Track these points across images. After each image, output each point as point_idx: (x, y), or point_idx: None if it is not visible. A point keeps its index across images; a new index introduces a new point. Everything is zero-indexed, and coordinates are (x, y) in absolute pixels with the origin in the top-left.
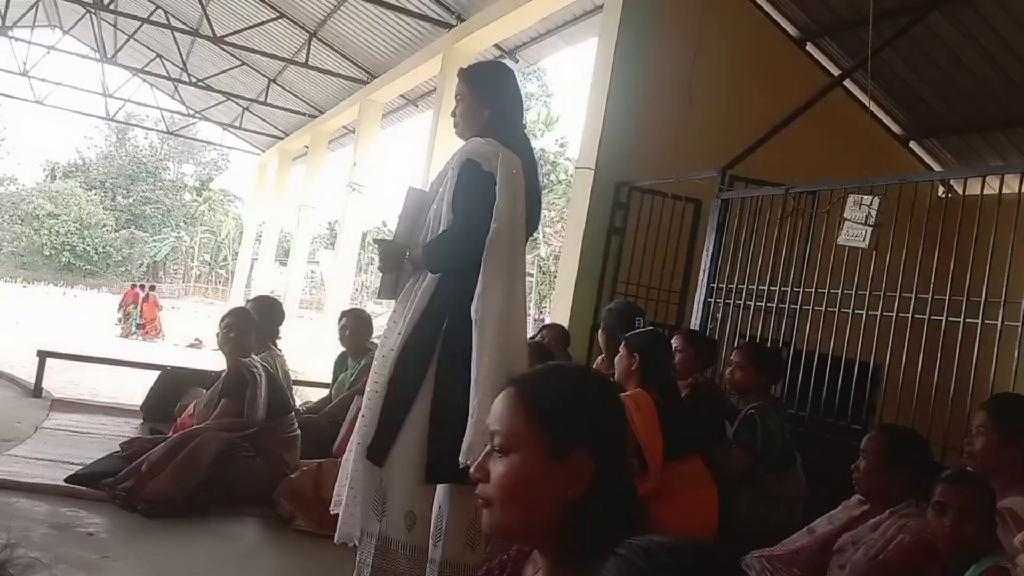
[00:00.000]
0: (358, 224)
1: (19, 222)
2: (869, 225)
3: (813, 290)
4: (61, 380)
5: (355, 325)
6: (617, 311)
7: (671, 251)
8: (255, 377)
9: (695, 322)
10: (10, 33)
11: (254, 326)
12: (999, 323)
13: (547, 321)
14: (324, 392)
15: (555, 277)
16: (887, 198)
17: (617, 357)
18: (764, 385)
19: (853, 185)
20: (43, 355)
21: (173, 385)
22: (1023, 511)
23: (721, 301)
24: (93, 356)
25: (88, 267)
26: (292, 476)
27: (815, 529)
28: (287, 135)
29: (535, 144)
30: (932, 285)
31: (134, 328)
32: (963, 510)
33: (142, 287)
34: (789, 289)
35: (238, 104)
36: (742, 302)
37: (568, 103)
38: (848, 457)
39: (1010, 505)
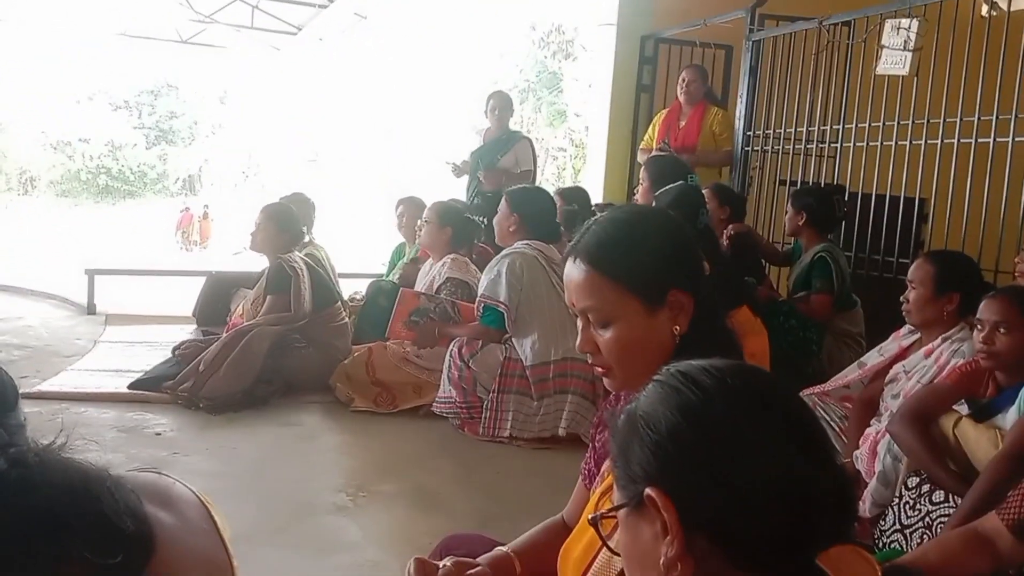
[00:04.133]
0: None
1: (52, 150)
2: (908, 50)
3: (854, 126)
4: (113, 297)
5: (413, 212)
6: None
7: None
8: (296, 272)
9: (735, 174)
10: None
11: (288, 222)
12: None
13: None
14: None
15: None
16: (926, 20)
17: None
18: (811, 226)
19: (890, 9)
20: (91, 273)
21: (221, 288)
22: None
23: (759, 149)
24: (139, 269)
25: (126, 187)
26: (346, 362)
27: (866, 362)
28: (300, 30)
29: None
30: (978, 107)
31: (195, 249)
32: (1014, 324)
33: (192, 209)
34: (828, 128)
35: (247, 4)
36: (780, 148)
37: None
38: (899, 294)
39: None
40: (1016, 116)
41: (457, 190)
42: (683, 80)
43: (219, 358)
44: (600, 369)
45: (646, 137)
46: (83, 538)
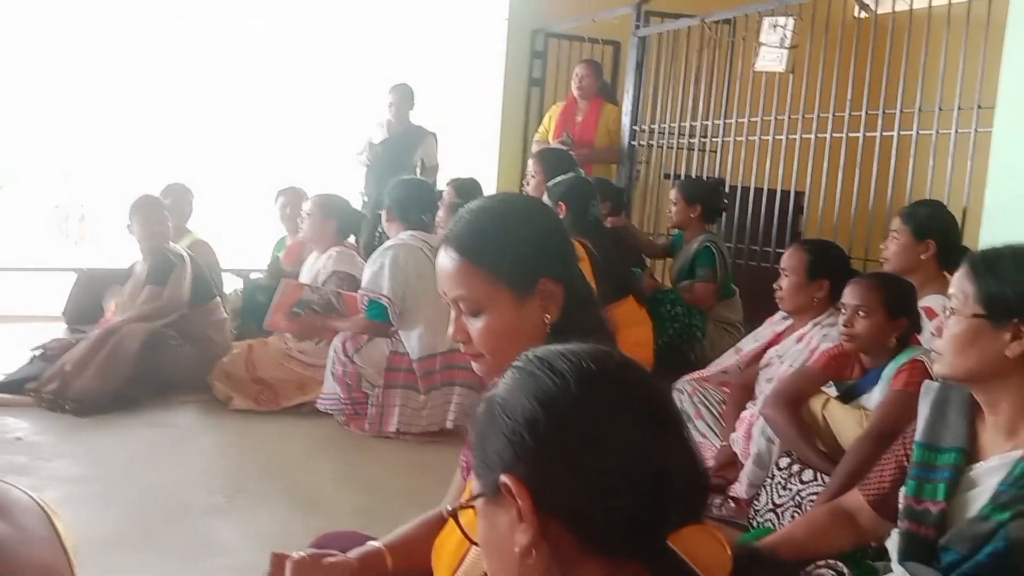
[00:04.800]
0: None
1: None
2: (785, 48)
3: (734, 121)
4: None
5: (295, 202)
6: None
7: None
8: (183, 259)
9: (623, 169)
10: None
11: (166, 213)
12: (927, 131)
13: None
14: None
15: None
16: (801, 18)
17: None
18: (702, 219)
19: (768, 8)
20: None
21: (94, 286)
22: (938, 307)
23: (645, 144)
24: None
25: None
26: (224, 359)
27: (742, 348)
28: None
29: None
30: (849, 103)
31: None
32: (873, 308)
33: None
34: (711, 123)
35: None
36: (665, 142)
37: None
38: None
39: (928, 304)
40: (884, 112)
41: (354, 182)
42: (577, 75)
43: (87, 357)
44: (472, 357)
45: (541, 129)
46: None
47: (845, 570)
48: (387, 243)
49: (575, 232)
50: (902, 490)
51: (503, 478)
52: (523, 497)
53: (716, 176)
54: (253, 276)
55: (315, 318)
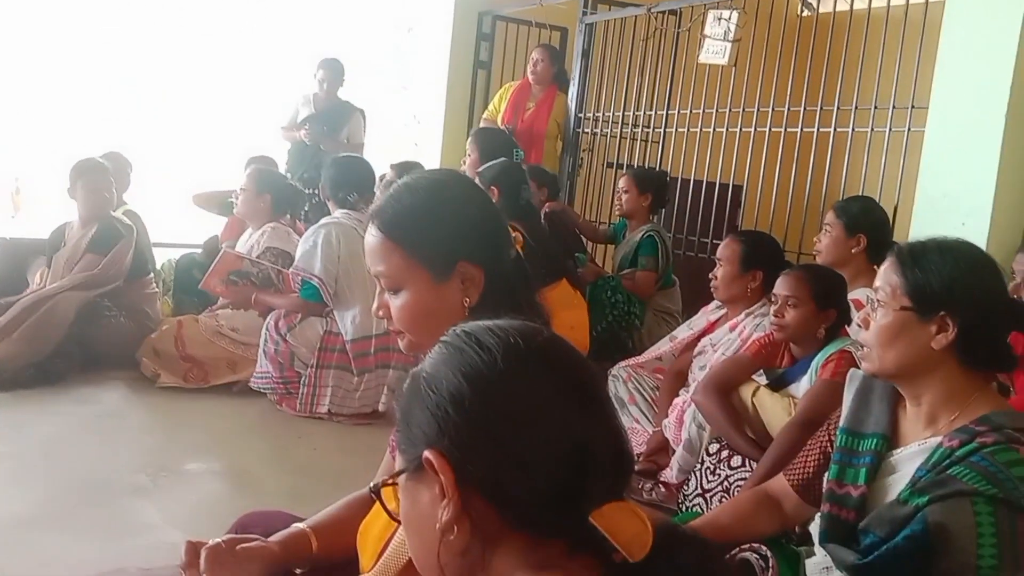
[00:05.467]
0: None
1: None
2: (728, 41)
3: (677, 112)
4: None
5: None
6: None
7: None
8: (131, 230)
9: (566, 155)
10: None
11: (109, 180)
12: (863, 129)
13: None
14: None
15: None
16: (745, 12)
17: None
18: (650, 209)
19: (713, 1)
20: None
21: (16, 256)
22: (867, 300)
23: (590, 131)
24: None
25: None
26: (153, 336)
27: (677, 335)
28: None
29: None
30: (788, 99)
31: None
32: (802, 299)
33: None
34: (654, 113)
35: None
36: (609, 131)
37: None
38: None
39: (857, 297)
40: (822, 108)
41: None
42: (533, 60)
43: (12, 324)
44: (395, 333)
45: (491, 107)
46: None
47: (768, 553)
48: (321, 221)
49: (507, 216)
50: (826, 474)
51: (426, 453)
52: (446, 472)
53: (659, 167)
54: (187, 252)
55: (250, 289)
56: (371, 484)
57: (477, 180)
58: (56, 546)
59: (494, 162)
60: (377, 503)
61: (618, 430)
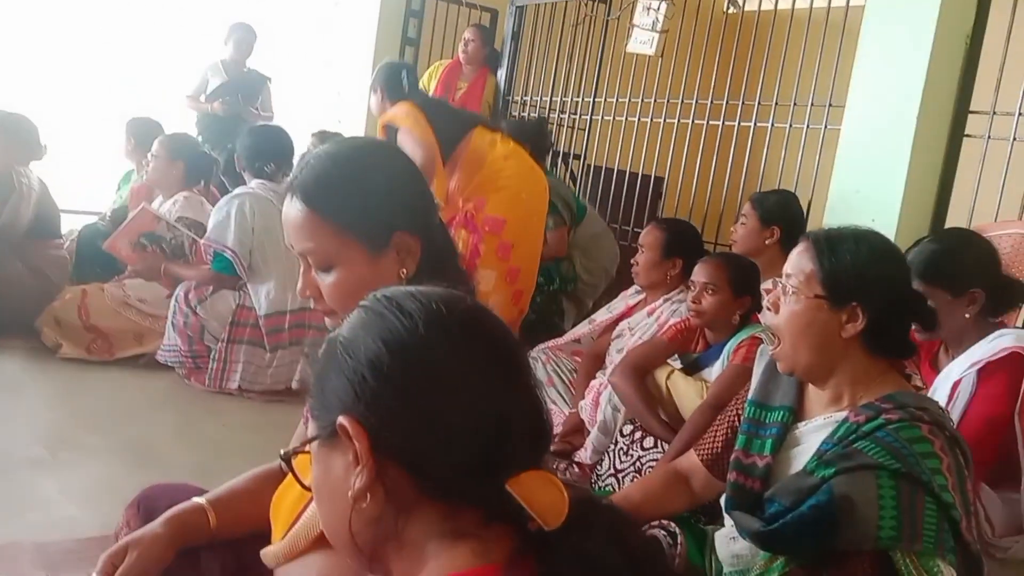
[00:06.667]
0: None
1: None
2: (656, 31)
3: (603, 100)
4: None
5: (144, 136)
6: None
7: None
8: (31, 188)
9: None
10: None
11: (23, 132)
12: (782, 125)
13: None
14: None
15: None
16: (674, 4)
17: None
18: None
19: None
20: None
21: None
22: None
23: (517, 115)
24: None
25: None
26: (55, 304)
27: (596, 319)
28: None
29: None
30: (712, 92)
31: None
32: (720, 286)
33: None
34: (581, 100)
35: None
36: (537, 114)
37: None
38: None
39: (769, 286)
40: (743, 103)
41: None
42: (464, 40)
43: None
44: (324, 313)
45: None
46: None
47: (676, 530)
48: (234, 191)
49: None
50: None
51: (341, 419)
52: (360, 439)
53: (583, 154)
54: (90, 221)
55: (159, 257)
56: (281, 451)
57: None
58: None
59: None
60: (290, 474)
61: (537, 400)
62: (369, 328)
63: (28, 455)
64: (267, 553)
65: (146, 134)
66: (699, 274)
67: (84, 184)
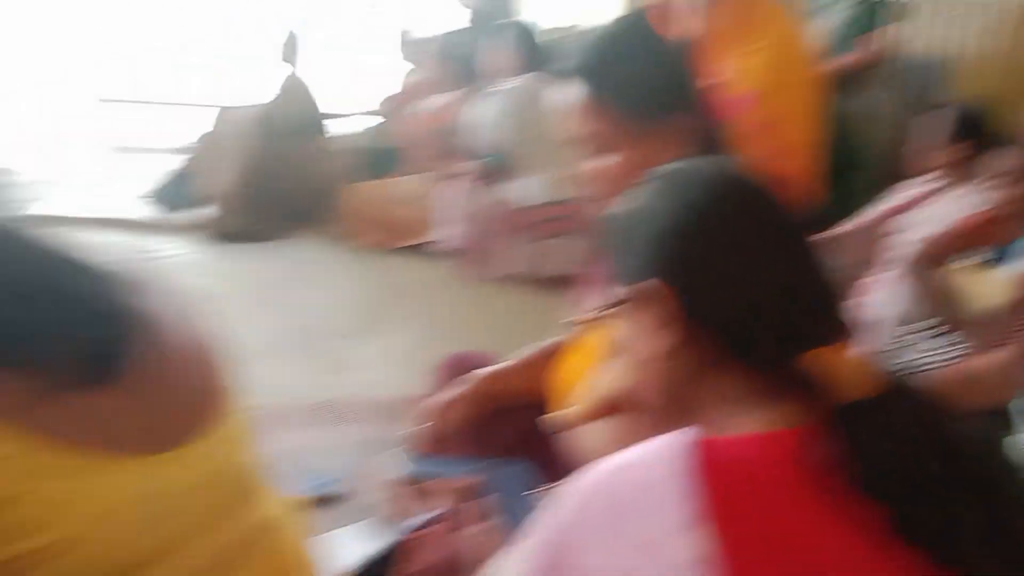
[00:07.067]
0: None
1: None
2: None
3: None
4: None
5: None
6: None
7: None
8: (294, 78)
9: None
10: None
11: None
12: None
13: None
14: None
15: None
16: None
17: None
18: None
19: None
20: (105, 101)
21: None
22: None
23: None
24: None
25: None
26: (345, 197)
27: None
28: None
29: None
30: None
31: None
32: None
33: None
34: None
35: None
36: None
37: None
38: None
39: None
40: None
41: None
42: None
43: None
44: (599, 199)
45: None
46: (62, 311)
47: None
48: (500, 87)
49: None
50: None
51: (647, 282)
52: (668, 300)
53: None
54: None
55: (437, 154)
56: (576, 317)
57: None
58: (285, 376)
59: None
60: (571, 344)
61: (830, 274)
62: (669, 196)
63: (341, 326)
64: (553, 419)
65: None
66: (1011, 160)
67: (363, 86)
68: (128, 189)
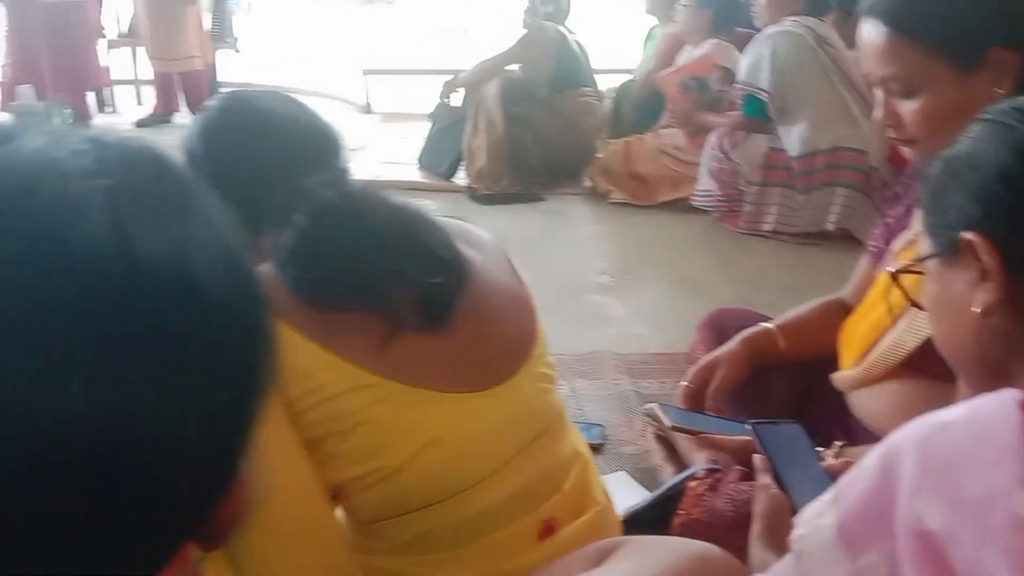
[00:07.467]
0: None
1: None
2: None
3: None
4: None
5: None
6: None
7: None
8: (543, 34)
9: None
10: None
11: None
12: None
13: None
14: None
15: None
16: None
17: None
18: None
19: None
20: (368, 72)
21: None
22: None
23: None
24: (413, 69)
25: None
26: (601, 155)
27: None
28: None
29: None
30: None
31: None
32: None
33: None
34: None
35: None
36: None
37: None
38: None
39: None
40: None
41: None
42: None
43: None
44: (902, 143)
45: None
46: (410, 260)
47: None
48: (765, 31)
49: None
50: None
51: (967, 235)
52: (990, 253)
53: None
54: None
55: (694, 107)
56: (890, 268)
57: None
58: (549, 331)
59: None
60: (862, 306)
61: None
62: (997, 140)
63: (596, 281)
64: (841, 378)
65: None
66: None
67: (616, 43)
68: (391, 154)
